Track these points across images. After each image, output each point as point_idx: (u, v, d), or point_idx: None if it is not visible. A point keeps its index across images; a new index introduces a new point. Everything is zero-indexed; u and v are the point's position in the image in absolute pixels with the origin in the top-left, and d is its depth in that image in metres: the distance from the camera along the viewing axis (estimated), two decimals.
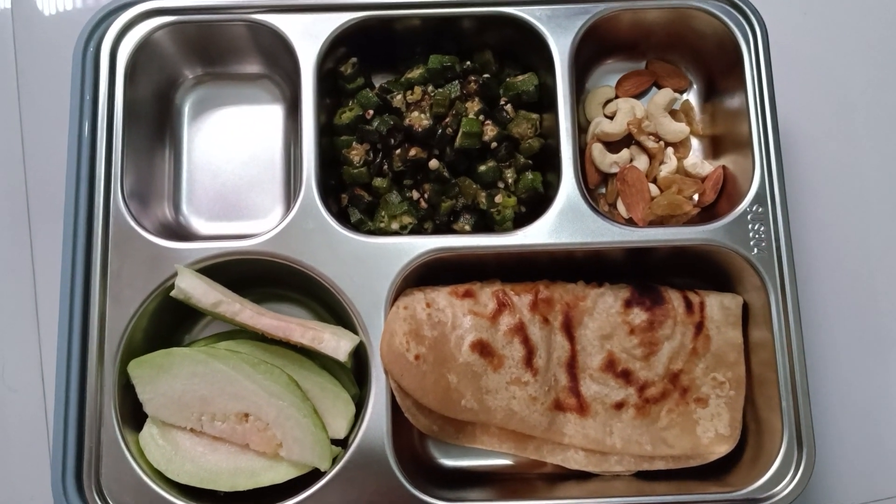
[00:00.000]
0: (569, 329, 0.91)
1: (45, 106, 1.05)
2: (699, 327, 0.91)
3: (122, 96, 0.93)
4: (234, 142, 1.01)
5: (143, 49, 0.95)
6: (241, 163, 1.01)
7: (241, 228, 0.98)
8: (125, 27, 0.94)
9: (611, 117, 1.01)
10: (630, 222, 0.98)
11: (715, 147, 1.01)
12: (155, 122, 0.99)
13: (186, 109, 1.02)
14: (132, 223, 0.90)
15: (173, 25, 0.95)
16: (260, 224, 0.98)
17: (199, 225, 0.99)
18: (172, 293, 0.86)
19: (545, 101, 0.97)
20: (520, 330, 0.89)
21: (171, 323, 0.94)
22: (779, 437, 0.86)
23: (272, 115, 1.02)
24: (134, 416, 0.88)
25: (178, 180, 1.00)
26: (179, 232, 0.98)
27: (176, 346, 0.89)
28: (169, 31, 0.95)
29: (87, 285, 0.88)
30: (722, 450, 0.89)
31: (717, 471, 0.90)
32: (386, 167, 0.96)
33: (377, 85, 1.00)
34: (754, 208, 0.90)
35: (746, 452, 0.90)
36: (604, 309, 0.91)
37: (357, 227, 0.94)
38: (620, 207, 0.99)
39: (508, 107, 0.97)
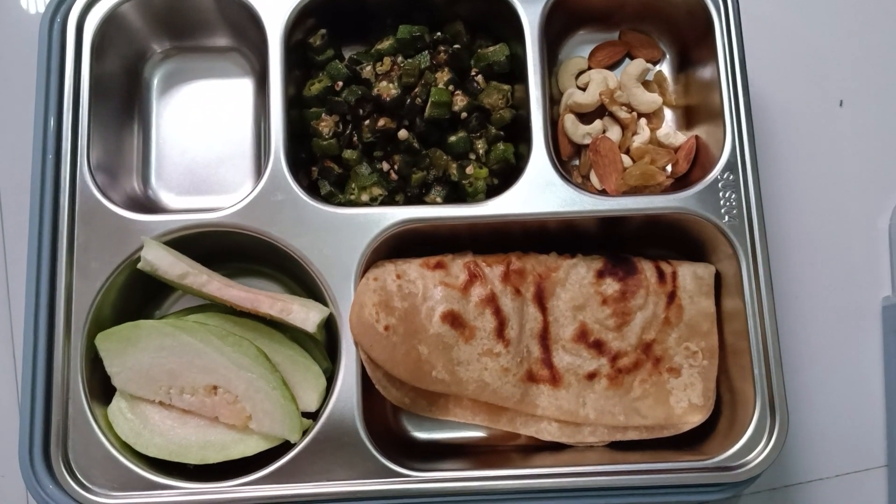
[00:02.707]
0: (541, 300, 0.90)
1: (14, 79, 1.04)
2: (672, 297, 0.90)
3: (88, 70, 0.92)
4: (203, 115, 1.00)
5: (110, 22, 0.94)
6: (210, 136, 1.00)
7: (212, 202, 0.97)
8: (91, 0, 0.93)
9: (583, 88, 1.00)
10: (603, 193, 0.97)
11: (688, 117, 1.00)
12: (123, 96, 0.98)
13: (155, 83, 1.01)
14: (99, 196, 0.89)
15: None
16: (230, 199, 0.96)
17: (168, 199, 0.98)
18: (139, 265, 0.85)
19: (516, 72, 0.96)
20: (491, 301, 0.88)
21: (140, 297, 0.93)
22: (752, 405, 0.85)
23: (242, 88, 1.01)
24: (102, 389, 0.87)
25: (146, 154, 0.99)
26: (148, 206, 0.97)
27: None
28: (136, 3, 0.94)
29: (54, 258, 0.87)
30: (695, 420, 0.89)
31: (690, 440, 0.90)
32: (355, 139, 0.95)
33: (347, 56, 0.99)
34: (725, 175, 0.89)
35: (720, 422, 0.90)
36: (576, 280, 0.91)
37: (327, 200, 0.94)
38: (594, 179, 0.98)
39: (479, 77, 0.96)
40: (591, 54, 1.02)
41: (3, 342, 0.99)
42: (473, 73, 0.96)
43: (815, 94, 1.06)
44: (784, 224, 1.02)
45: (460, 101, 0.94)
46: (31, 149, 0.89)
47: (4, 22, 1.06)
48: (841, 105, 1.05)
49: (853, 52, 1.07)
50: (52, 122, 0.89)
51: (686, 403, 0.89)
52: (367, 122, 0.94)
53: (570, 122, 0.98)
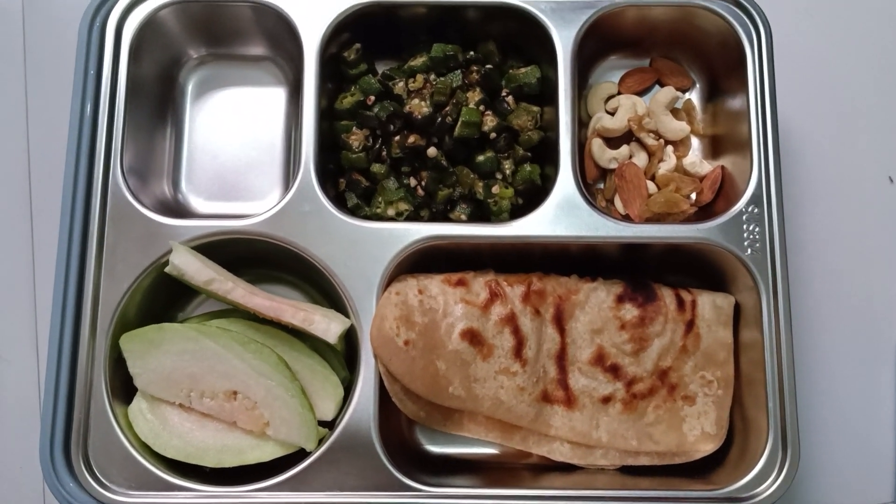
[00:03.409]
0: (560, 322, 0.91)
1: (51, 79, 1.06)
2: (690, 325, 0.91)
3: (125, 73, 0.93)
4: (235, 122, 1.02)
5: (148, 26, 0.95)
6: (241, 143, 1.01)
7: (239, 209, 0.99)
8: (131, 4, 0.94)
9: (612, 113, 1.01)
10: (627, 218, 0.98)
11: (715, 147, 1.01)
12: (157, 100, 1.00)
13: (189, 89, 1.02)
14: (130, 198, 0.90)
15: (179, 4, 0.95)
16: (258, 205, 0.98)
17: (197, 204, 1.00)
18: (166, 269, 0.86)
19: (546, 94, 0.97)
20: (511, 320, 0.89)
21: (165, 300, 0.94)
22: (764, 437, 0.86)
23: (274, 97, 1.02)
24: (124, 389, 0.89)
25: (178, 158, 1.01)
26: (177, 210, 0.98)
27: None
28: (174, 9, 0.96)
29: (83, 258, 0.88)
30: (707, 448, 0.90)
31: (701, 468, 0.90)
32: (384, 153, 0.96)
33: (380, 71, 1.00)
34: (750, 209, 0.90)
35: (732, 451, 0.90)
36: (596, 303, 0.91)
37: (353, 212, 0.95)
38: (618, 203, 0.99)
39: (509, 98, 0.97)
40: (622, 80, 1.03)
41: (27, 336, 1.01)
42: (504, 94, 0.97)
43: (843, 128, 1.06)
44: (805, 257, 1.02)
45: (490, 121, 0.95)
46: (66, 149, 0.90)
47: (47, 22, 1.08)
48: (891, 182, 1.04)
49: (885, 89, 1.07)
50: (87, 123, 0.91)
51: (699, 431, 0.90)
52: (396, 137, 0.95)
53: (597, 146, 0.99)
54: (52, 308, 0.87)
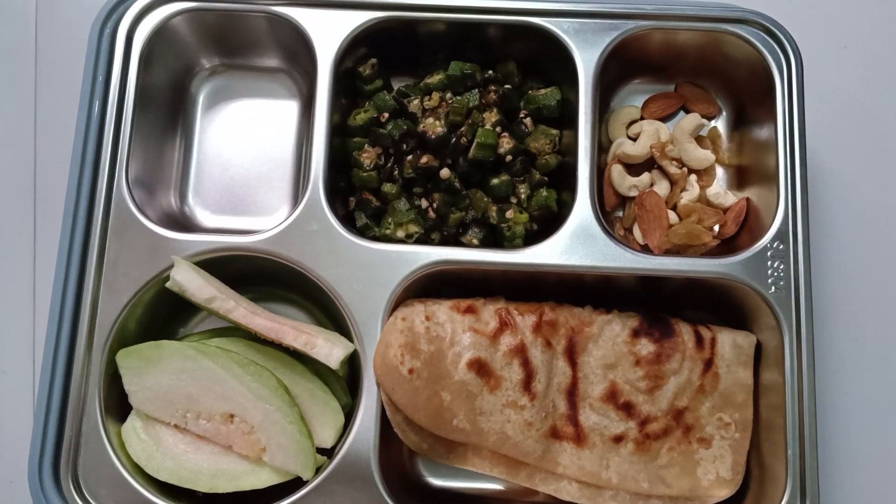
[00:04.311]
0: (572, 355, 0.87)
1: (61, 85, 1.04)
2: (708, 364, 0.87)
3: (135, 80, 0.91)
4: (246, 135, 0.99)
5: (160, 34, 0.93)
6: (251, 157, 0.99)
7: (247, 224, 0.97)
8: (144, 10, 0.93)
9: (634, 139, 0.98)
10: (645, 249, 0.94)
11: (740, 177, 0.97)
12: (167, 109, 0.98)
13: (201, 99, 1.00)
14: (134, 210, 0.88)
15: (192, 12, 0.93)
16: (266, 221, 0.96)
17: (203, 217, 0.97)
18: (167, 285, 0.84)
19: (566, 118, 0.94)
20: (520, 351, 0.85)
21: (166, 314, 0.92)
22: (782, 486, 0.82)
23: (287, 110, 1.00)
24: (118, 407, 0.86)
25: (186, 170, 0.98)
26: (183, 222, 0.96)
27: (169, 339, 0.88)
28: (187, 17, 0.94)
29: (83, 270, 0.86)
30: (722, 494, 0.86)
31: None
32: (396, 173, 0.93)
33: (395, 88, 0.98)
34: (775, 245, 0.86)
35: (747, 499, 0.87)
36: (610, 337, 0.88)
37: (362, 232, 0.92)
38: (636, 233, 0.95)
39: (528, 120, 0.94)
40: (645, 104, 1.00)
41: (25, 346, 0.99)
42: (522, 116, 0.94)
43: (874, 167, 1.02)
44: (828, 295, 0.98)
45: (506, 143, 0.92)
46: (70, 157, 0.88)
47: (59, 27, 1.06)
48: None
49: None
50: (93, 131, 0.89)
51: (714, 476, 0.86)
52: (409, 157, 0.92)
53: (617, 172, 0.96)
54: (48, 320, 0.85)
